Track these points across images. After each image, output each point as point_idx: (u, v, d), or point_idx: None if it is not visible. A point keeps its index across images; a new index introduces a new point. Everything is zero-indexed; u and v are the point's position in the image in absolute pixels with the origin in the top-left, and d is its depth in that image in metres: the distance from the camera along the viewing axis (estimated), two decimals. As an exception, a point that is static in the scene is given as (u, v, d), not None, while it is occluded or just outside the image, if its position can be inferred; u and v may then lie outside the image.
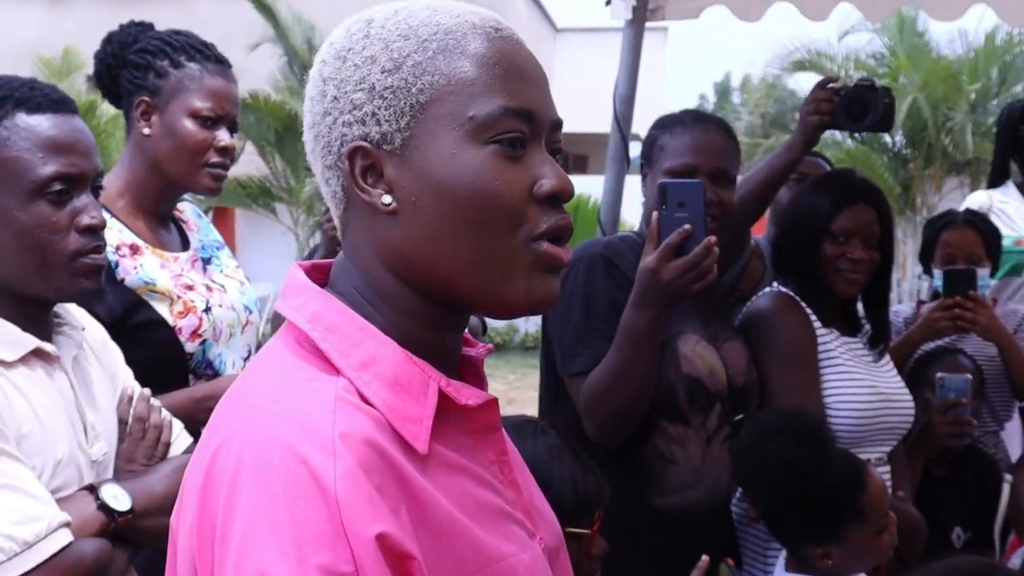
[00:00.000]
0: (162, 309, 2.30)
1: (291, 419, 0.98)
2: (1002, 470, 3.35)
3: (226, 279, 2.51)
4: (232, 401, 1.07)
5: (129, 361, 2.04)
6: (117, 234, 2.31)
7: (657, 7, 3.79)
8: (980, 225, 3.60)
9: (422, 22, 1.08)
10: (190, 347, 2.33)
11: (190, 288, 2.37)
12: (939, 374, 3.14)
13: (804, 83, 15.24)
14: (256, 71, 13.74)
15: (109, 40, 2.47)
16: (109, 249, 2.23)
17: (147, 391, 1.99)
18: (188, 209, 2.63)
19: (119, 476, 1.87)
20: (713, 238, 2.16)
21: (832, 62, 14.65)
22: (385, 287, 1.10)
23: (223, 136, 2.41)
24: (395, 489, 0.98)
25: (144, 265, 2.32)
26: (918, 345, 3.39)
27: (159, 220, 2.46)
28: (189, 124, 2.38)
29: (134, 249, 2.33)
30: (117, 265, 2.27)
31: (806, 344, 2.71)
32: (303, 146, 1.15)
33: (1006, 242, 3.67)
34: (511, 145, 1.06)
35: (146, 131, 2.39)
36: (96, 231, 1.78)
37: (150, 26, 2.51)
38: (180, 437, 2.00)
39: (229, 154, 2.44)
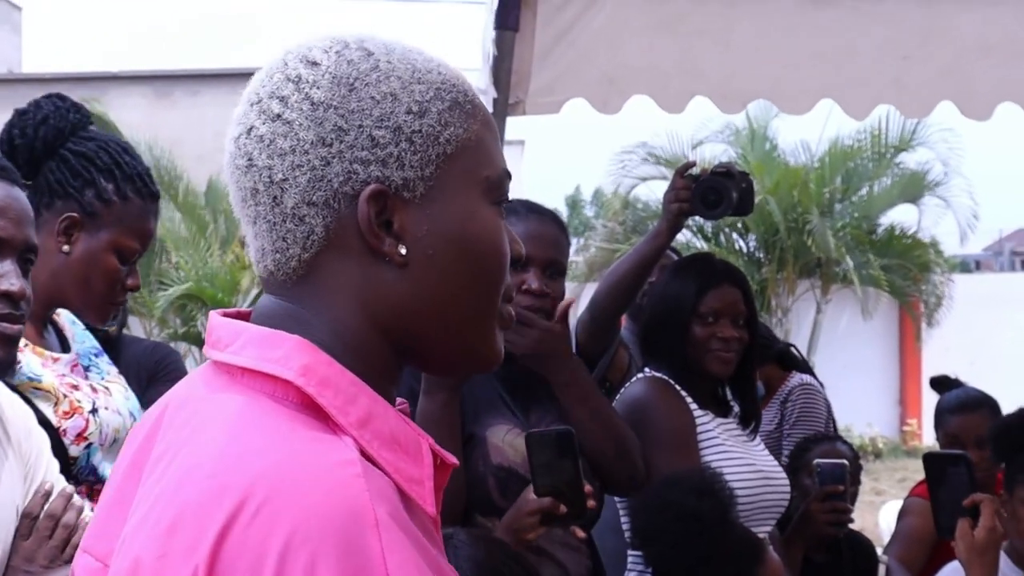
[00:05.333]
0: (46, 409, 2.11)
1: (322, 484, 0.86)
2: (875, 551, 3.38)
3: (109, 383, 2.33)
4: (231, 453, 0.89)
5: None
6: None
7: (517, 101, 3.80)
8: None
9: (425, 68, 1.03)
10: (75, 451, 2.13)
11: (75, 388, 2.20)
12: (816, 461, 3.16)
13: (658, 191, 15.65)
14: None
15: (44, 120, 2.21)
16: None
17: (70, 488, 1.82)
18: (64, 314, 2.43)
19: None
20: None
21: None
22: (360, 339, 1.00)
23: (134, 276, 2.29)
24: (423, 561, 0.89)
25: (27, 362, 2.14)
26: None
27: (39, 320, 2.27)
28: (113, 259, 2.22)
29: None
30: None
31: (685, 427, 2.69)
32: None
33: None
34: (505, 208, 1.08)
35: (65, 248, 2.19)
36: (13, 299, 1.69)
37: (83, 111, 2.28)
38: None
39: (134, 291, 2.32)
